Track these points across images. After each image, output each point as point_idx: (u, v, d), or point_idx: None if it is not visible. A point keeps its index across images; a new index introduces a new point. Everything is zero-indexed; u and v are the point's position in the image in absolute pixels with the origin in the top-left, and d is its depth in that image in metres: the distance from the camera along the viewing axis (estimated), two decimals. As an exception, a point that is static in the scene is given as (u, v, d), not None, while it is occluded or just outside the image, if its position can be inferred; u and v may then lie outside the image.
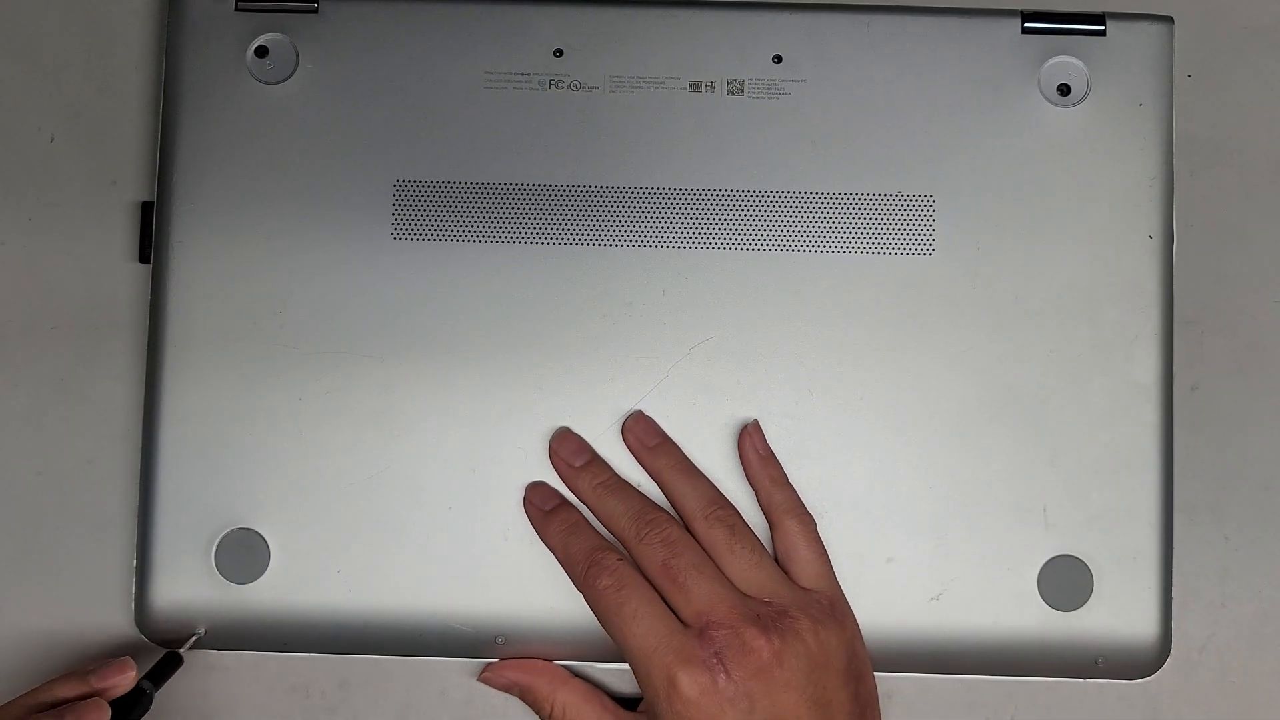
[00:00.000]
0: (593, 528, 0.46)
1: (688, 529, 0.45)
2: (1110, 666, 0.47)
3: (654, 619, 0.43)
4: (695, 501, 0.45)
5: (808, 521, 0.45)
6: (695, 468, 0.46)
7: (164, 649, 0.46)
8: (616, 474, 0.46)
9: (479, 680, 0.47)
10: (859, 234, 0.47)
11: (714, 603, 0.43)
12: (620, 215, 0.47)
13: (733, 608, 0.43)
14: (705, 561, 0.44)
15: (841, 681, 0.43)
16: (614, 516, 0.45)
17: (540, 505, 0.46)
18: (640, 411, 0.46)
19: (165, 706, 0.48)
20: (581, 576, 0.44)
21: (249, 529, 0.46)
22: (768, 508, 0.46)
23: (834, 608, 0.44)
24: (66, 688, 0.43)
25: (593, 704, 0.46)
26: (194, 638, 0.46)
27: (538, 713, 0.46)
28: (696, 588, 0.43)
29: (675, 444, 0.46)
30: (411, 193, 0.47)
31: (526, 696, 0.46)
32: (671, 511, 0.46)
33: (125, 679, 0.43)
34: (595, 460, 0.46)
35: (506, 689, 0.46)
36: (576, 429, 0.47)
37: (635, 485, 0.46)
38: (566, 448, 0.46)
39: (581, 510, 0.46)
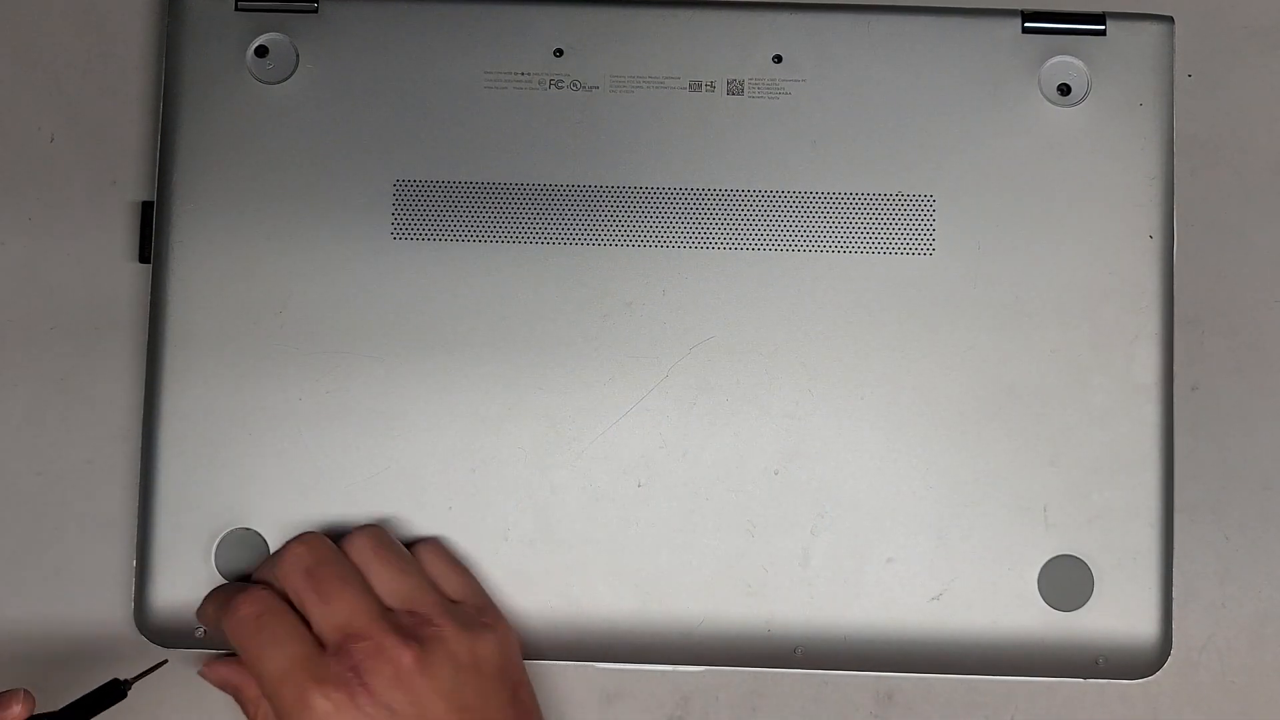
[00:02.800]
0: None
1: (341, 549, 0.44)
2: (1111, 666, 0.47)
3: (290, 641, 0.41)
4: (352, 535, 0.44)
5: (436, 544, 0.45)
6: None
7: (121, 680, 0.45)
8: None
9: (199, 674, 0.45)
10: (859, 234, 0.47)
11: (354, 614, 0.42)
12: (620, 215, 0.47)
13: (373, 620, 0.42)
14: (351, 573, 0.43)
15: (494, 688, 0.42)
16: (270, 560, 0.44)
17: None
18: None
19: (165, 706, 0.48)
20: (226, 608, 0.43)
21: (249, 529, 0.46)
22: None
23: (483, 614, 0.44)
24: None
25: None
26: (155, 666, 0.45)
27: (245, 714, 0.45)
28: (340, 598, 0.42)
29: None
30: (411, 193, 0.47)
31: (237, 696, 0.45)
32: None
33: (10, 714, 0.42)
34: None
35: (220, 686, 0.45)
36: (576, 429, 0.47)
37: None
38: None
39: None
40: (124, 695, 0.44)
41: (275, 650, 0.41)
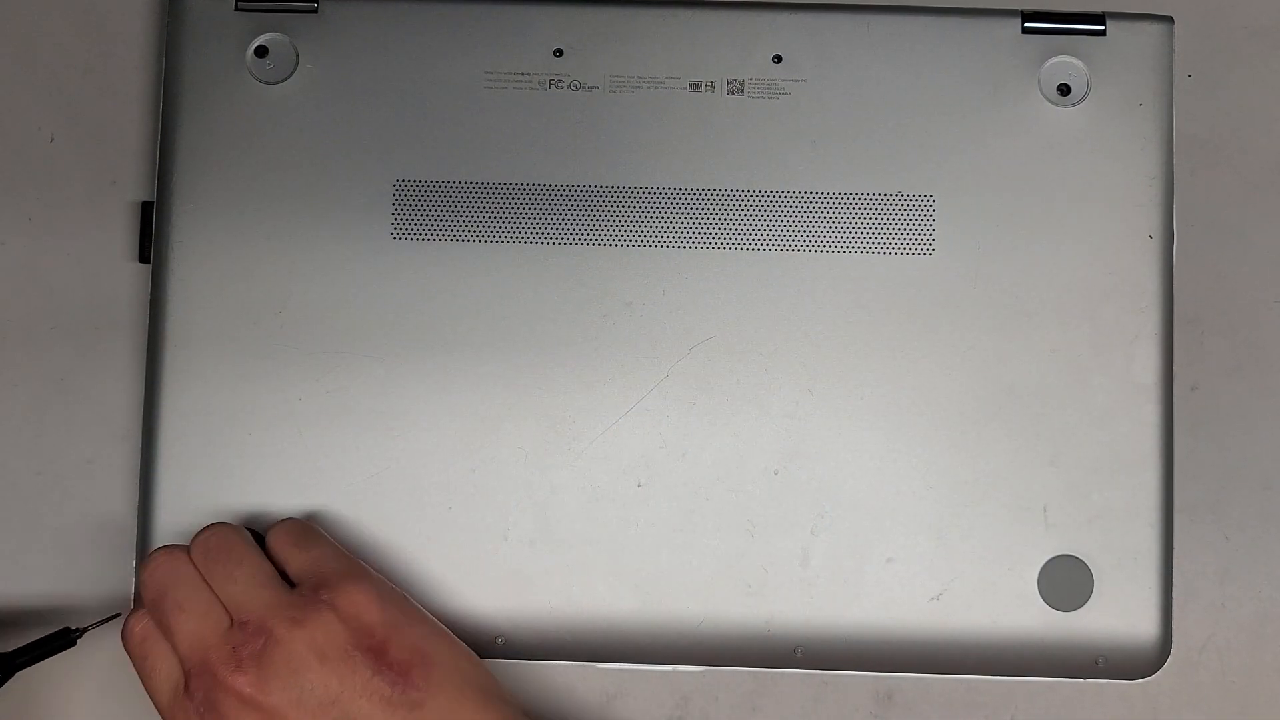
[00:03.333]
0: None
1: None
2: (1110, 666, 0.47)
3: (164, 681, 0.41)
4: (195, 537, 0.44)
5: (287, 524, 0.45)
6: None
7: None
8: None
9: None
10: (859, 234, 0.47)
11: (192, 646, 0.41)
12: (620, 215, 0.47)
13: (211, 649, 0.41)
14: (194, 593, 0.42)
15: (349, 667, 0.40)
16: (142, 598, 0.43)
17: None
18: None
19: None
20: (125, 630, 0.42)
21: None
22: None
23: (320, 589, 0.42)
24: None
25: None
26: (107, 618, 0.46)
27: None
28: (180, 629, 0.41)
29: None
30: (411, 193, 0.47)
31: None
32: None
33: None
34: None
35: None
36: (576, 429, 0.47)
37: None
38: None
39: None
40: (73, 643, 0.45)
41: (153, 686, 0.42)
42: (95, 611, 0.48)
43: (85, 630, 0.46)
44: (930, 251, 0.47)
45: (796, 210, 0.47)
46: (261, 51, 0.48)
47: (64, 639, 0.45)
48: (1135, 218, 0.47)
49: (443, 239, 0.47)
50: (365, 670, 0.41)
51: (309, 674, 0.40)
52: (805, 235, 0.47)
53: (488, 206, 0.47)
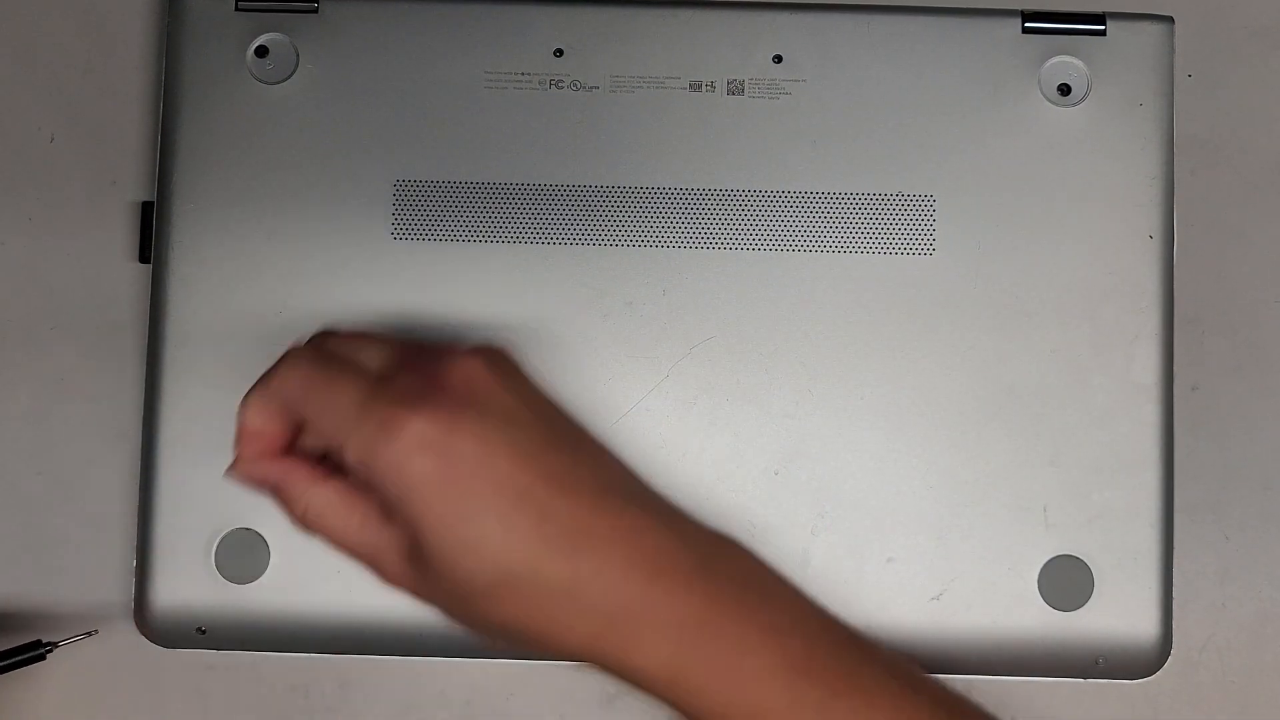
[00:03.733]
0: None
1: None
2: (1111, 666, 0.47)
3: (355, 373, 0.38)
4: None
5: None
6: None
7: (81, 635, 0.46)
8: None
9: (224, 475, 0.40)
10: (859, 234, 0.47)
11: (395, 353, 0.39)
12: (620, 215, 0.47)
13: (413, 352, 0.39)
14: (354, 345, 0.40)
15: (535, 388, 0.39)
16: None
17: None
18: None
19: (164, 707, 0.48)
20: (268, 378, 0.39)
21: (249, 529, 0.46)
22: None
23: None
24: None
25: (351, 506, 0.39)
26: (85, 634, 0.46)
27: (290, 513, 0.40)
28: (369, 348, 0.39)
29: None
30: (411, 193, 0.47)
31: (278, 494, 0.40)
32: None
33: None
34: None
35: (256, 485, 0.40)
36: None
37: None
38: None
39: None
40: (43, 658, 0.45)
41: (344, 383, 0.38)
42: (96, 611, 0.48)
43: (57, 645, 0.45)
44: (930, 252, 0.47)
45: (797, 210, 0.47)
46: (262, 51, 0.48)
47: (33, 651, 0.45)
48: (1135, 218, 0.47)
49: (443, 239, 0.47)
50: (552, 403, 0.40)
51: (523, 385, 0.39)
52: (805, 235, 0.47)
53: (488, 206, 0.47)
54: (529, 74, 0.48)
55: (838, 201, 0.47)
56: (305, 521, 0.39)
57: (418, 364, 0.38)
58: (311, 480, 0.39)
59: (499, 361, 0.39)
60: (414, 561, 0.37)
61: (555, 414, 0.40)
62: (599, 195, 0.47)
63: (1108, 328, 0.47)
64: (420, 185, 0.48)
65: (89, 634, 0.46)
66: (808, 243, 0.47)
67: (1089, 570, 0.46)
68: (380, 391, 0.37)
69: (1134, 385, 0.47)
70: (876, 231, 0.47)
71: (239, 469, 0.40)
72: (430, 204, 0.47)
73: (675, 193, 0.47)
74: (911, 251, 0.47)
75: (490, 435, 0.37)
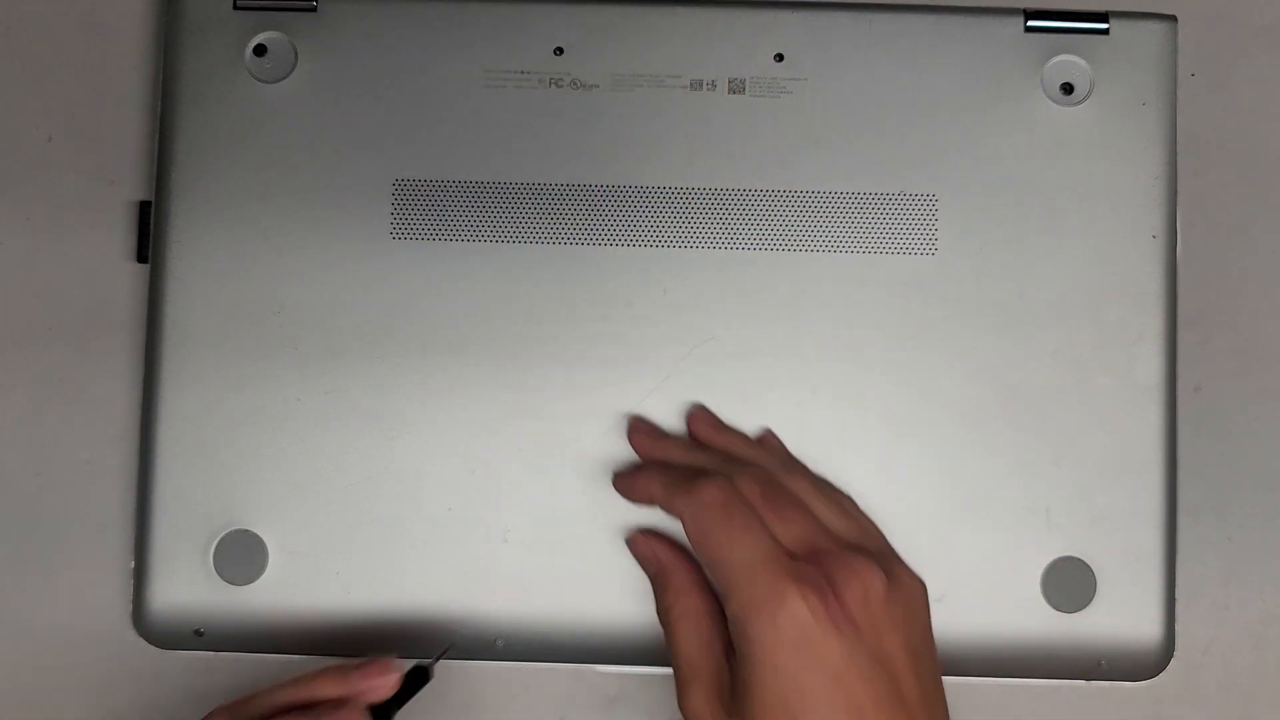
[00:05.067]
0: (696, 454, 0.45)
1: None
2: (1113, 668, 0.46)
3: (762, 534, 0.41)
4: (776, 458, 0.45)
5: (804, 474, 0.45)
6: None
7: (413, 662, 0.45)
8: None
9: (626, 540, 0.46)
10: (861, 233, 0.47)
11: (815, 533, 0.41)
12: (620, 215, 0.47)
13: (834, 539, 0.41)
14: (801, 500, 0.43)
15: (927, 636, 0.42)
16: (705, 461, 0.44)
17: (647, 433, 0.46)
18: (700, 405, 0.46)
19: (163, 709, 0.48)
20: (686, 491, 0.42)
21: (247, 530, 0.46)
22: None
23: (907, 566, 0.43)
24: (326, 685, 0.42)
25: (710, 628, 0.42)
26: (445, 649, 0.45)
27: (657, 601, 0.44)
28: (798, 519, 0.42)
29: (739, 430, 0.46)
30: (411, 192, 0.47)
31: (658, 579, 0.44)
32: None
33: (387, 681, 0.42)
34: (675, 436, 0.46)
35: (647, 560, 0.45)
36: (576, 429, 0.47)
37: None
38: (645, 427, 0.46)
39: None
40: (429, 678, 0.44)
41: (748, 541, 0.40)
42: (95, 611, 0.48)
43: (436, 661, 0.45)
44: (933, 251, 0.47)
45: (798, 210, 0.47)
46: (260, 50, 0.48)
47: (421, 676, 0.44)
48: (1138, 217, 0.47)
49: (443, 239, 0.47)
50: (931, 647, 0.42)
51: (915, 618, 0.41)
52: (807, 235, 0.47)
53: (488, 206, 0.47)
54: (529, 73, 0.48)
55: (839, 201, 0.47)
56: (667, 616, 0.43)
57: (832, 549, 0.41)
58: (694, 587, 0.43)
59: (904, 596, 0.41)
60: (721, 704, 0.41)
61: (928, 671, 0.41)
62: (599, 195, 0.47)
63: (1110, 328, 0.47)
64: (420, 185, 0.47)
65: (449, 648, 0.46)
66: (808, 242, 0.47)
67: (1092, 572, 0.46)
68: (785, 561, 0.40)
69: (1137, 386, 0.47)
70: (878, 231, 0.47)
71: (641, 542, 0.45)
72: (430, 203, 0.47)
73: (675, 193, 0.47)
74: (913, 251, 0.47)
75: (858, 661, 0.39)
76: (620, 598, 0.46)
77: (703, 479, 0.42)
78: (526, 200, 0.47)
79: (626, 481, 0.45)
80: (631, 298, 0.47)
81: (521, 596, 0.46)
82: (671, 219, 0.47)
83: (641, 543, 0.45)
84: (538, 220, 0.47)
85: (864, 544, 0.42)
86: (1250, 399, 0.50)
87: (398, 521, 0.46)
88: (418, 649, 0.46)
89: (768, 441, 0.46)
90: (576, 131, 0.48)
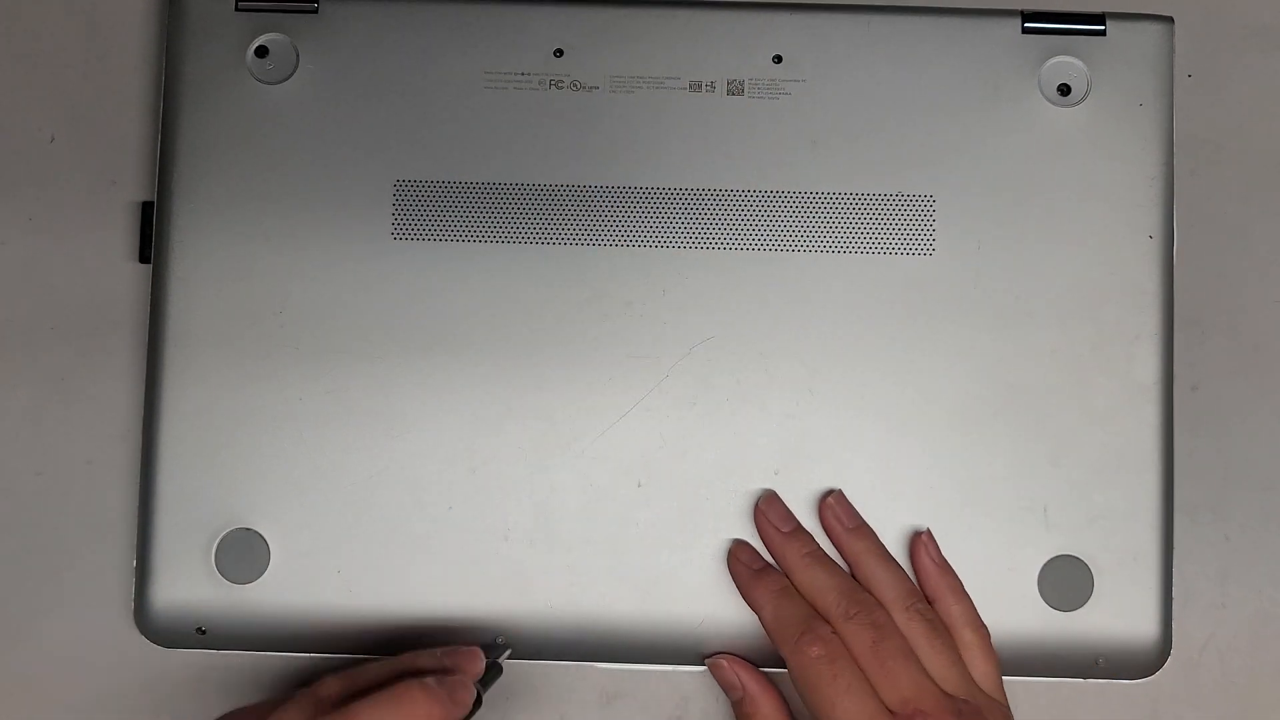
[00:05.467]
0: (802, 596, 0.45)
1: None
2: (1111, 667, 0.47)
3: (864, 696, 0.43)
4: (895, 590, 0.45)
5: (984, 634, 0.45)
6: (892, 556, 0.46)
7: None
8: (820, 547, 0.46)
9: (707, 661, 0.46)
10: (859, 234, 0.47)
11: (919, 692, 0.43)
12: (620, 215, 0.47)
13: (938, 701, 0.43)
14: (910, 651, 0.44)
15: None
16: (822, 589, 0.45)
17: (748, 564, 0.46)
18: (839, 491, 0.46)
19: (164, 708, 0.48)
20: (793, 641, 0.44)
21: (249, 529, 0.46)
22: (946, 618, 0.45)
23: (1007, 714, 0.45)
24: (424, 660, 0.43)
25: None
26: (506, 650, 0.46)
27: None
28: (904, 674, 0.43)
29: (872, 530, 0.46)
30: (411, 193, 0.47)
31: (739, 708, 0.46)
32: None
33: (475, 668, 0.44)
34: (801, 529, 0.46)
35: (731, 687, 0.46)
36: (576, 429, 0.47)
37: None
38: (775, 512, 0.46)
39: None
40: (501, 670, 0.45)
41: (850, 700, 0.42)
42: (96, 610, 0.48)
43: (503, 657, 0.46)
44: (931, 252, 0.47)
45: (797, 210, 0.47)
46: (262, 51, 0.48)
47: (497, 669, 0.45)
48: (1136, 217, 0.47)
49: (443, 239, 0.47)
50: None
51: None
52: (805, 235, 0.47)
53: (488, 206, 0.47)
54: (529, 74, 0.48)
55: (838, 201, 0.47)
56: None
57: (933, 712, 0.43)
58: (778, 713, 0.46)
59: None
60: None
61: None
62: (599, 195, 0.47)
63: (1108, 328, 0.47)
64: (420, 185, 0.48)
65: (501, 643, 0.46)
66: (808, 243, 0.47)
67: (1089, 570, 0.46)
68: None
69: (1134, 385, 0.47)
70: (876, 231, 0.47)
71: (731, 662, 0.46)
72: (430, 204, 0.47)
73: (675, 193, 0.47)
74: (911, 251, 0.47)
75: None
76: (620, 595, 0.46)
77: (810, 633, 0.44)
78: (527, 201, 0.47)
79: (742, 580, 0.46)
80: (631, 298, 0.47)
81: (521, 595, 0.46)
82: (671, 219, 0.47)
83: (727, 668, 0.46)
84: (538, 221, 0.47)
85: (971, 699, 0.44)
86: (1247, 398, 0.50)
87: (399, 520, 0.46)
88: (417, 646, 0.46)
89: (892, 569, 0.46)
90: (576, 132, 0.48)
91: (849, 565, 0.46)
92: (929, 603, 0.45)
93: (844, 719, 0.42)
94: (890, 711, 0.42)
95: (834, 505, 0.46)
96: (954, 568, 0.46)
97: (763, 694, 0.46)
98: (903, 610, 0.45)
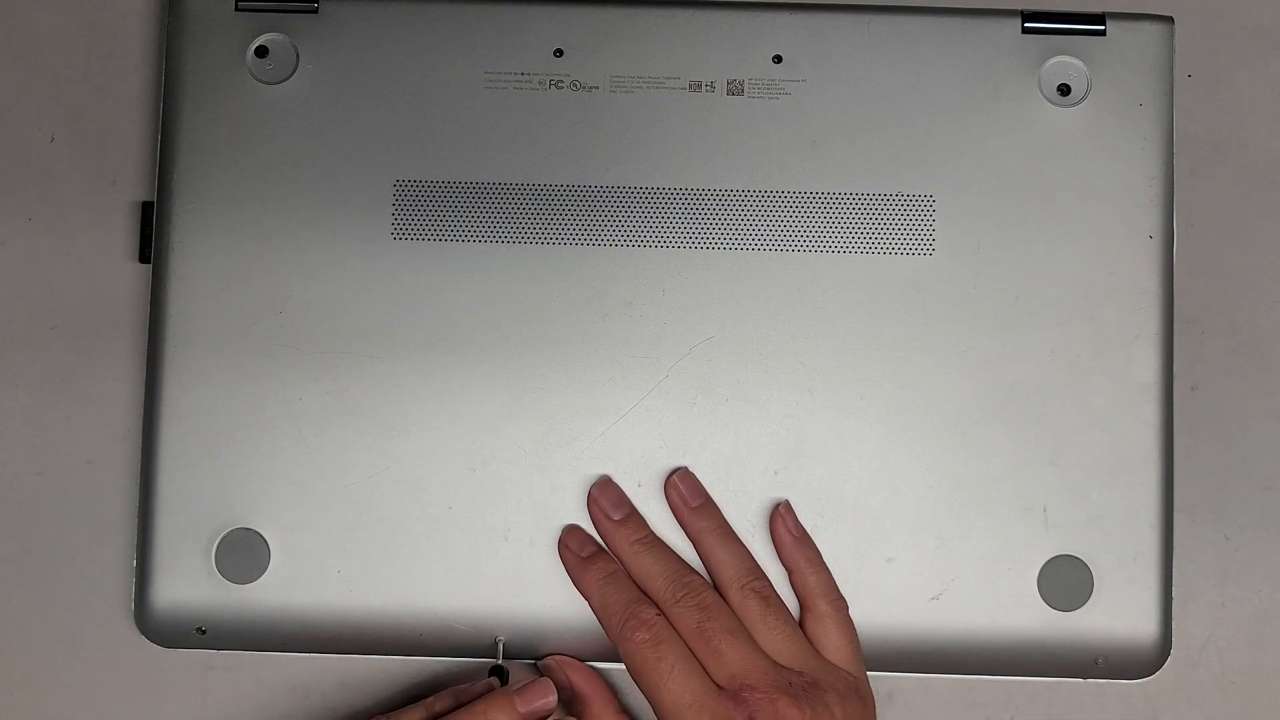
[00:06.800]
0: (629, 580, 0.45)
1: (722, 595, 0.45)
2: (1110, 666, 0.47)
3: (690, 676, 0.43)
4: (733, 569, 0.45)
5: (841, 605, 0.46)
6: (734, 534, 0.46)
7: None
8: (653, 532, 0.46)
9: (539, 664, 0.46)
10: (859, 234, 0.47)
11: (748, 668, 0.43)
12: (620, 215, 0.47)
13: (766, 674, 0.43)
14: (739, 628, 0.44)
15: None
16: (650, 575, 0.45)
17: (576, 551, 0.46)
18: (685, 468, 0.46)
19: (164, 707, 0.48)
20: (618, 628, 0.44)
21: (249, 529, 0.46)
22: (801, 589, 0.46)
23: (859, 688, 0.45)
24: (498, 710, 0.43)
25: None
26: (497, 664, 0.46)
27: None
28: (731, 652, 0.43)
29: (717, 507, 0.46)
30: (411, 193, 0.47)
31: (571, 709, 0.46)
32: (705, 575, 0.46)
33: (549, 703, 0.44)
34: (634, 515, 0.46)
35: (559, 688, 0.46)
36: (576, 429, 0.47)
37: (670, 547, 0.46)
38: (607, 499, 0.46)
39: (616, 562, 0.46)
40: (507, 681, 0.46)
41: (675, 682, 0.43)
42: (97, 610, 0.48)
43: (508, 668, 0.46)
44: (930, 252, 0.47)
45: (796, 210, 0.47)
46: (262, 52, 0.48)
47: (504, 673, 0.46)
48: (1135, 218, 0.47)
49: (443, 239, 0.47)
50: None
51: None
52: (805, 235, 0.47)
53: (488, 206, 0.47)
54: (529, 74, 0.48)
55: (837, 201, 0.47)
56: None
57: (761, 686, 0.43)
58: (610, 712, 0.46)
59: None
60: None
61: None
62: (599, 195, 0.48)
63: (1108, 328, 0.47)
64: (420, 185, 0.48)
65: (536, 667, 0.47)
66: (808, 243, 0.47)
67: (1089, 570, 0.46)
68: (711, 704, 0.43)
69: (1134, 385, 0.47)
70: (876, 231, 0.47)
71: (559, 662, 0.46)
72: (430, 204, 0.47)
73: (675, 193, 0.48)
74: (911, 252, 0.47)
75: None
76: (620, 596, 0.46)
77: (634, 619, 0.44)
78: (527, 201, 0.47)
79: (571, 568, 0.46)
80: (631, 298, 0.47)
81: (521, 595, 0.46)
82: (671, 219, 0.47)
83: (555, 669, 0.46)
84: (538, 221, 0.47)
85: (804, 672, 0.43)
86: (1247, 398, 0.50)
87: (399, 520, 0.46)
88: (417, 646, 0.46)
89: (731, 547, 0.46)
90: (576, 132, 0.48)
91: (692, 543, 0.46)
92: (790, 574, 0.46)
93: (671, 701, 0.43)
94: (720, 689, 0.43)
95: (678, 483, 0.46)
96: (952, 566, 0.46)
97: (592, 692, 0.46)
98: (738, 589, 0.45)
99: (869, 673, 0.46)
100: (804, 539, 0.46)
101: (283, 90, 0.48)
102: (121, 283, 0.50)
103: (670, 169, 0.48)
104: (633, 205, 0.47)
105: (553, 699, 0.44)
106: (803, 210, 0.47)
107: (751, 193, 0.47)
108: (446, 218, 0.47)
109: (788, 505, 0.46)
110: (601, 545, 0.46)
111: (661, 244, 0.47)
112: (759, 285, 0.47)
